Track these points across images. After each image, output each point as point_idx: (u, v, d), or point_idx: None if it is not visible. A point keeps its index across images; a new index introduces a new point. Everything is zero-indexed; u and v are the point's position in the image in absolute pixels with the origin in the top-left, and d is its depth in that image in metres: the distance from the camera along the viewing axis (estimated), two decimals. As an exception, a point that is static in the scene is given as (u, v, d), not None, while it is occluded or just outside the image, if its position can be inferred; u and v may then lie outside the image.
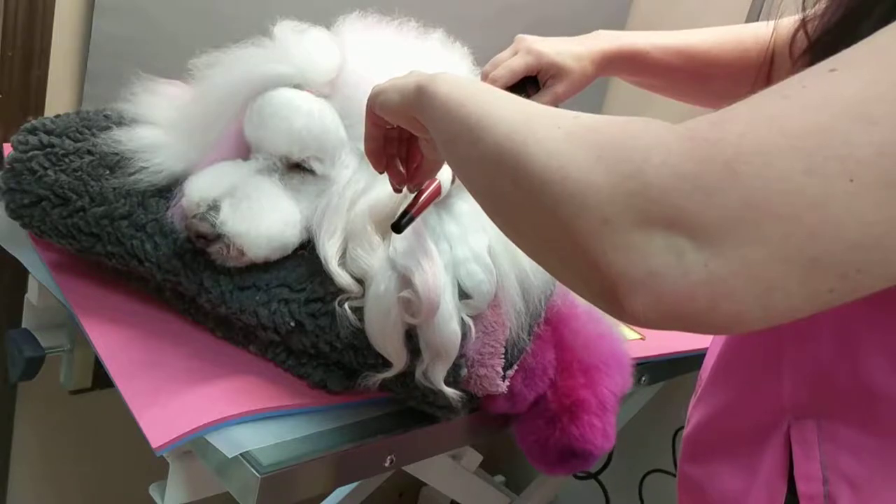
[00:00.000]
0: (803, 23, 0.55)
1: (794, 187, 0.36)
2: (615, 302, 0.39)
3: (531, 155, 0.42)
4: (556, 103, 0.89)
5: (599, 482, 1.60)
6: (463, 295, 0.73)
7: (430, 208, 0.74)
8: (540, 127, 0.44)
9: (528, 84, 0.88)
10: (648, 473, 1.64)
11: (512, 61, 0.86)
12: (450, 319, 0.72)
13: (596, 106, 1.86)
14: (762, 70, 0.76)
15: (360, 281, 0.74)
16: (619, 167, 0.39)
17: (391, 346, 0.71)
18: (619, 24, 1.79)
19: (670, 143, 0.39)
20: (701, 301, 0.37)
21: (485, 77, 0.87)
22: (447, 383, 0.74)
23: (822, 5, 0.54)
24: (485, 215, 0.59)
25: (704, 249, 0.37)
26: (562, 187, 0.40)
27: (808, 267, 0.37)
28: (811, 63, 0.44)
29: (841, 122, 0.37)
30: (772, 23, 0.75)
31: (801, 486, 0.56)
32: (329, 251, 0.74)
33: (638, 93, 1.83)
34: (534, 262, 0.74)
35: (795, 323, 0.40)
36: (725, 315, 0.37)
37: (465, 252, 0.74)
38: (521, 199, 0.43)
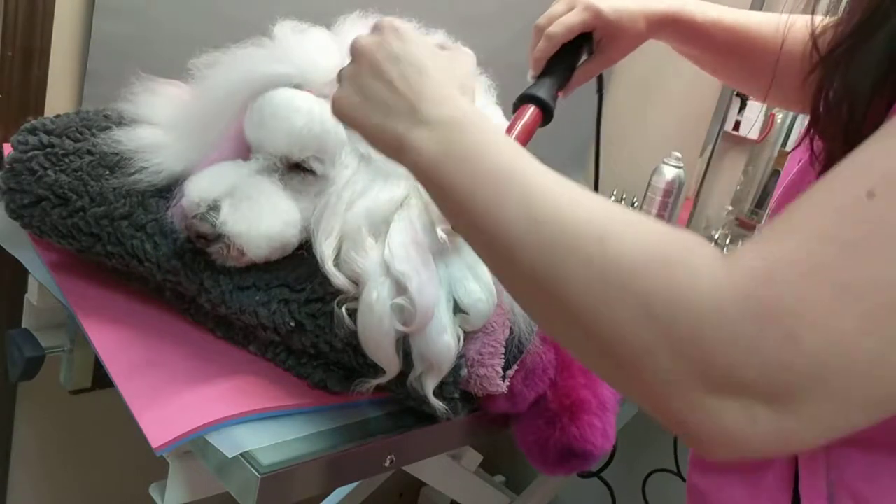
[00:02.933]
0: (813, 40, 0.54)
1: (855, 346, 0.37)
2: (685, 437, 0.41)
3: (573, 302, 0.41)
4: (606, 67, 0.90)
5: (603, 480, 1.60)
6: (460, 311, 0.74)
7: (430, 224, 0.74)
8: (568, 256, 0.41)
9: (584, 43, 0.85)
10: (652, 473, 1.64)
11: (569, 17, 0.83)
12: (443, 331, 0.72)
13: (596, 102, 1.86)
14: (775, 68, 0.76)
15: (356, 282, 0.74)
16: (674, 329, 0.39)
17: (383, 354, 0.72)
18: (620, 23, 1.79)
19: (723, 301, 0.38)
20: (772, 447, 0.39)
21: (539, 32, 0.84)
22: (446, 382, 0.74)
23: (833, 20, 0.53)
24: None
25: (776, 412, 0.38)
26: (619, 349, 0.40)
27: (874, 406, 0.39)
28: (823, 77, 0.45)
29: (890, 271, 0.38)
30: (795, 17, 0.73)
31: (805, 502, 0.55)
32: (326, 251, 0.74)
33: (637, 90, 1.84)
34: None
35: None
36: (794, 450, 0.42)
37: (464, 270, 0.74)
38: (573, 338, 0.43)
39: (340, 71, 0.60)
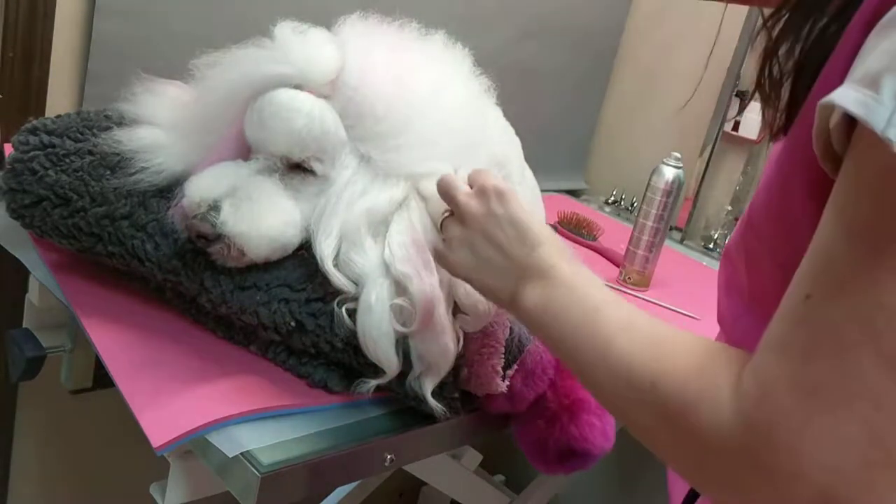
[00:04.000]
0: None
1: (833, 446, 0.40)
2: None
3: (636, 427, 0.50)
4: None
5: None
6: (460, 312, 0.74)
7: (430, 225, 0.75)
8: (630, 400, 0.50)
9: None
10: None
11: None
12: (442, 332, 0.72)
13: (596, 102, 1.86)
14: None
15: (355, 282, 0.74)
16: (706, 464, 0.45)
17: (383, 354, 0.72)
18: (619, 23, 1.79)
19: (728, 441, 0.43)
20: None
21: None
22: (446, 382, 0.74)
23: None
24: None
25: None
26: (671, 460, 0.48)
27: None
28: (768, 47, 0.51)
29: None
30: None
31: None
32: (325, 251, 0.74)
33: (637, 91, 1.84)
34: None
35: None
36: None
37: None
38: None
39: (447, 228, 0.70)
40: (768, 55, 0.54)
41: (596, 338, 0.54)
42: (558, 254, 0.64)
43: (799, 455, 0.40)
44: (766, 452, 0.41)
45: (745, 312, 0.57)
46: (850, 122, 0.41)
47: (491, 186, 0.67)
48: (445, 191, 0.70)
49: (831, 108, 0.41)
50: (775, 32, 0.54)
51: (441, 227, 0.72)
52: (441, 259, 0.71)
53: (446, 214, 0.71)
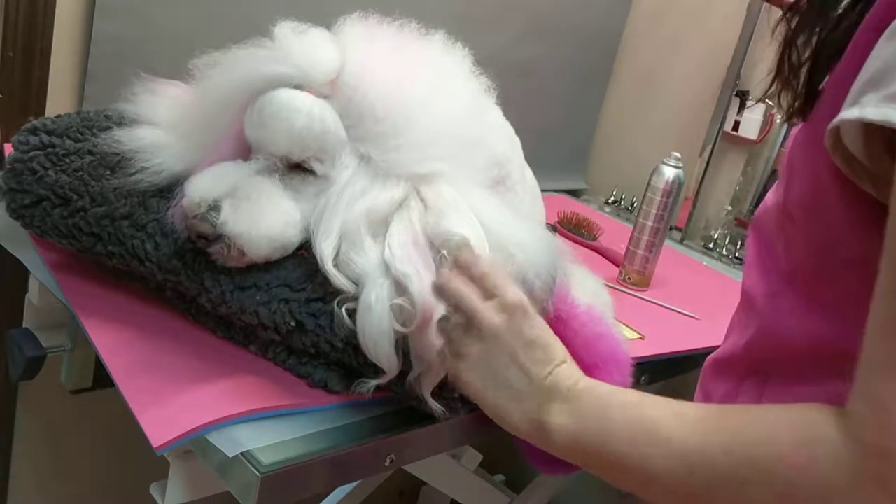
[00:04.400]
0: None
1: None
2: None
3: None
4: None
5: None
6: None
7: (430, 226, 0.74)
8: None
9: None
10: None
11: None
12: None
13: (596, 102, 1.86)
14: None
15: (355, 282, 0.74)
16: None
17: (382, 354, 0.72)
18: (619, 23, 1.79)
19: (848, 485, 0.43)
20: None
21: None
22: (446, 382, 0.74)
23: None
24: (484, 235, 0.70)
25: None
26: None
27: None
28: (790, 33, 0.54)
29: None
30: None
31: None
32: (325, 251, 0.74)
33: (637, 91, 1.84)
34: (533, 263, 0.75)
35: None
36: None
37: None
38: None
39: (460, 341, 0.64)
40: (788, 44, 0.57)
41: (650, 430, 0.53)
42: (576, 368, 0.63)
43: None
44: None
45: (784, 291, 0.58)
46: (868, 131, 0.44)
47: (518, 303, 0.63)
48: (458, 296, 0.65)
49: (857, 123, 0.43)
50: (794, 24, 0.57)
51: (448, 335, 0.66)
52: (452, 372, 0.66)
53: (450, 321, 0.66)
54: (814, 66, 0.54)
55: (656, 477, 0.52)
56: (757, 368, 0.63)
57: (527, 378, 0.62)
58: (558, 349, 0.64)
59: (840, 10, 0.53)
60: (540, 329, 0.64)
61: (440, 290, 0.67)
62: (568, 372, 0.62)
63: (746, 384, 0.64)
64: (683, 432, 0.51)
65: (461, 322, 0.65)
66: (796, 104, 0.56)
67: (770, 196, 0.65)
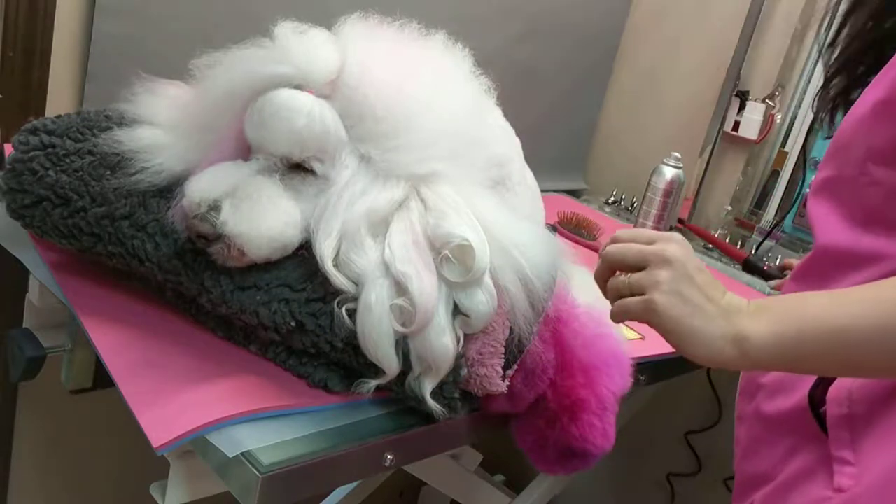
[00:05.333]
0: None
1: None
2: None
3: None
4: None
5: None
6: (460, 313, 0.74)
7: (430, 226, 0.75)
8: None
9: None
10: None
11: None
12: (442, 333, 0.72)
13: (596, 102, 1.86)
14: None
15: (355, 282, 0.74)
16: None
17: (382, 355, 0.72)
18: (619, 23, 1.79)
19: None
20: None
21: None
22: (446, 382, 0.74)
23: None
24: (485, 237, 0.71)
25: None
26: None
27: None
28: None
29: None
30: None
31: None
32: (325, 251, 0.74)
33: (637, 91, 1.84)
34: (533, 264, 0.75)
35: None
36: None
37: None
38: None
39: (643, 277, 0.67)
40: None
41: (862, 299, 0.57)
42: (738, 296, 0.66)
43: None
44: None
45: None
46: None
47: (677, 236, 0.69)
48: (625, 250, 0.69)
49: None
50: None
51: (629, 289, 0.69)
52: (645, 309, 0.67)
53: (625, 277, 0.69)
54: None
55: (877, 334, 0.55)
56: None
57: (709, 299, 0.64)
58: (720, 283, 0.67)
59: None
60: (700, 263, 0.67)
61: (605, 256, 0.71)
62: (737, 297, 0.65)
63: None
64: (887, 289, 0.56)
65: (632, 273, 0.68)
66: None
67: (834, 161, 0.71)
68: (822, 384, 0.68)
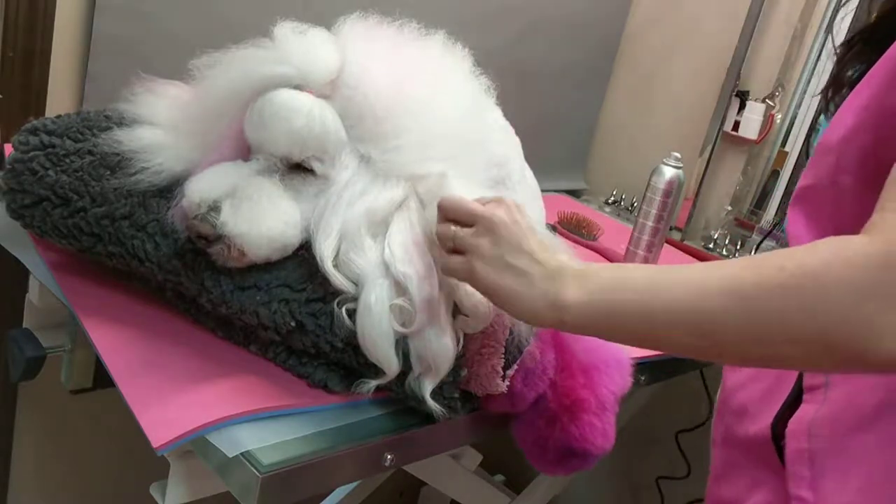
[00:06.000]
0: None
1: None
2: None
3: (785, 330, 0.51)
4: None
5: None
6: (460, 314, 0.74)
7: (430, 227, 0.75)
8: (771, 312, 0.51)
9: None
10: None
11: None
12: (442, 334, 0.72)
13: (596, 102, 1.86)
14: None
15: (355, 282, 0.74)
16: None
17: (382, 355, 0.72)
18: (619, 23, 1.79)
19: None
20: None
21: None
22: (446, 382, 0.74)
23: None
24: None
25: None
26: (825, 338, 0.50)
27: None
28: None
29: None
30: None
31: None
32: (325, 251, 0.74)
33: (637, 91, 1.83)
34: None
35: None
36: None
37: None
38: (785, 355, 0.52)
39: (466, 236, 0.67)
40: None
41: (683, 281, 0.55)
42: (575, 257, 0.65)
43: None
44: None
45: None
46: None
47: (509, 200, 0.68)
48: (458, 204, 0.69)
49: None
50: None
51: (453, 241, 0.69)
52: (464, 270, 0.67)
53: (454, 229, 0.69)
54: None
55: (689, 319, 0.54)
56: None
57: (535, 262, 0.63)
58: (558, 243, 0.66)
59: None
60: (532, 220, 0.67)
61: (440, 203, 0.70)
62: (573, 260, 0.64)
63: None
64: (715, 271, 0.54)
65: (463, 236, 0.68)
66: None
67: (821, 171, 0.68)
68: (784, 415, 0.66)
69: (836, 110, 0.68)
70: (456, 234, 0.68)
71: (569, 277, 0.61)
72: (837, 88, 0.74)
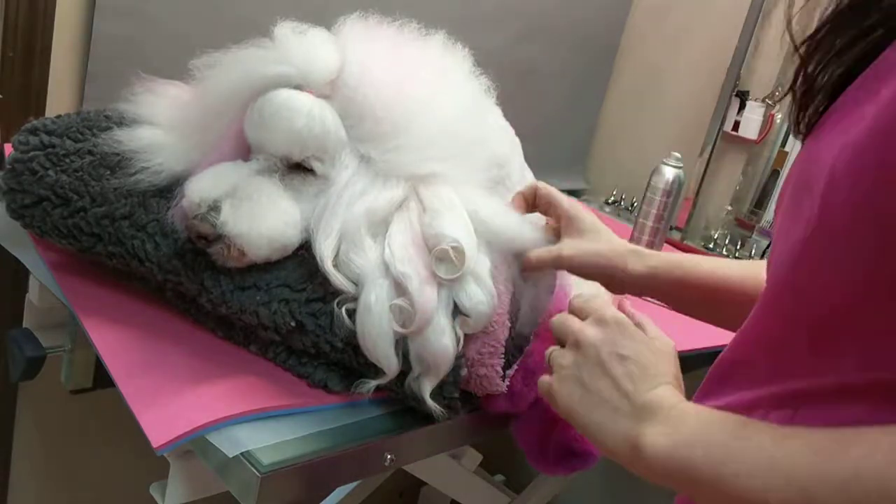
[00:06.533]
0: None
1: None
2: None
3: None
4: None
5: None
6: (460, 314, 0.74)
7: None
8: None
9: None
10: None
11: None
12: (442, 334, 0.72)
13: (596, 102, 1.86)
14: None
15: (355, 282, 0.74)
16: None
17: (382, 355, 0.72)
18: (619, 22, 1.79)
19: None
20: None
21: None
22: (446, 382, 0.74)
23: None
24: (486, 236, 0.70)
25: None
26: None
27: None
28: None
29: None
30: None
31: None
32: (325, 251, 0.74)
33: (637, 91, 1.84)
34: None
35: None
36: None
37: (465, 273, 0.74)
38: None
39: (555, 357, 0.62)
40: (805, 64, 0.57)
41: (759, 452, 0.47)
42: (680, 394, 0.57)
43: None
44: None
45: None
46: None
47: (613, 318, 0.61)
48: (562, 323, 0.64)
49: None
50: (816, 43, 0.56)
51: (549, 360, 0.64)
52: (547, 392, 0.62)
53: (553, 349, 0.64)
54: (841, 82, 0.53)
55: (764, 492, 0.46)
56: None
57: (619, 392, 0.57)
58: (663, 369, 0.58)
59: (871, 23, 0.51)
60: (640, 344, 0.59)
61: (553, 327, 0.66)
62: (670, 392, 0.56)
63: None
64: (801, 460, 0.46)
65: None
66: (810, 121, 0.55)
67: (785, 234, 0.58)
68: None
69: (808, 129, 0.59)
70: (548, 357, 0.64)
71: (659, 417, 0.54)
72: (808, 100, 0.60)
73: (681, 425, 0.53)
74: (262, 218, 0.75)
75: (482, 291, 0.74)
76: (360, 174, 0.77)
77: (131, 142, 0.83)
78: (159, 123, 0.86)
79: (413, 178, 0.77)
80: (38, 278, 0.90)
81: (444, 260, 0.73)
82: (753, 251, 1.57)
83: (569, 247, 0.81)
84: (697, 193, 1.67)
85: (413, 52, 0.82)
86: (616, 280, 0.80)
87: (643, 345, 0.60)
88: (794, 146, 1.58)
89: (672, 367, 0.60)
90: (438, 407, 0.74)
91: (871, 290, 0.47)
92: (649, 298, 0.85)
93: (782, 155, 1.60)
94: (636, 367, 0.58)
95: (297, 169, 0.78)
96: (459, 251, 0.72)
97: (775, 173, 1.61)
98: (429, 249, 0.74)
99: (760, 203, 1.64)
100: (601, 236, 0.83)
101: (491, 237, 0.77)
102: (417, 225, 0.75)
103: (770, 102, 1.58)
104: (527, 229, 0.80)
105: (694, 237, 1.70)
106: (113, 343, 0.79)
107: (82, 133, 0.86)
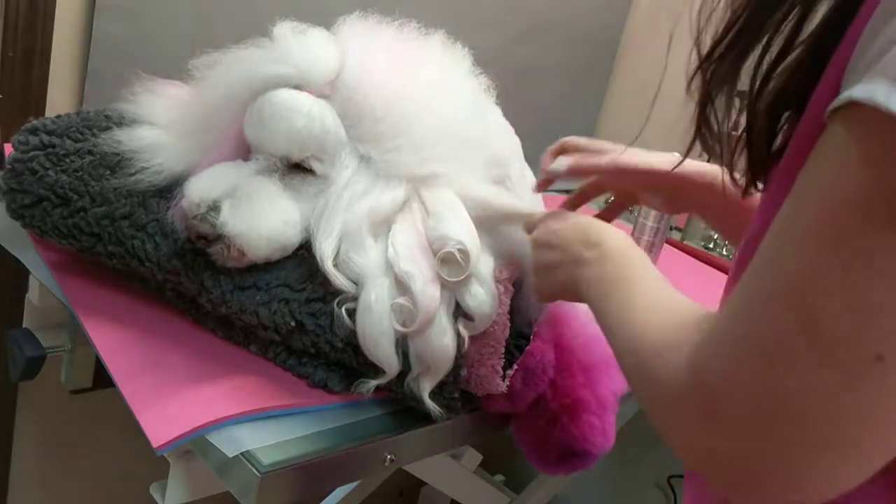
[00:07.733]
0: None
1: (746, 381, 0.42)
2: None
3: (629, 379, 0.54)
4: None
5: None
6: (463, 314, 0.74)
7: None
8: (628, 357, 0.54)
9: None
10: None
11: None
12: (443, 333, 0.72)
13: (596, 102, 1.86)
14: None
15: (355, 282, 0.74)
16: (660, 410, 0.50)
17: (382, 354, 0.72)
18: (619, 22, 1.79)
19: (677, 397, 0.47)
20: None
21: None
22: (446, 382, 0.74)
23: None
24: (478, 238, 0.72)
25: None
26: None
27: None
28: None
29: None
30: None
31: None
32: (325, 251, 0.74)
33: (637, 91, 1.83)
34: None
35: None
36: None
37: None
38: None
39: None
40: (704, 111, 0.62)
41: (622, 307, 0.58)
42: (612, 234, 0.66)
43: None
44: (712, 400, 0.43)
45: None
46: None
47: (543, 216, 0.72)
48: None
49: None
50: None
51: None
52: (536, 291, 0.73)
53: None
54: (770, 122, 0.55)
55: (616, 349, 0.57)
56: None
57: (564, 252, 0.67)
58: (599, 227, 0.67)
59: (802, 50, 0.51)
60: (577, 218, 0.70)
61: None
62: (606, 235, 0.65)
63: None
64: (641, 317, 0.55)
65: None
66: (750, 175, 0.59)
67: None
68: None
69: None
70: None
71: (589, 264, 0.64)
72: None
73: (600, 265, 0.63)
74: (261, 218, 0.75)
75: (485, 292, 0.74)
76: (360, 174, 0.77)
77: (131, 142, 0.83)
78: (159, 123, 0.86)
79: (413, 178, 0.77)
80: (38, 278, 0.90)
81: (448, 262, 0.73)
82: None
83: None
84: (697, 193, 1.67)
85: (413, 52, 0.82)
86: (713, 192, 0.84)
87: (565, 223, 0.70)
88: (794, 146, 1.58)
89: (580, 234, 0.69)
90: (437, 407, 0.74)
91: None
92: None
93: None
94: (580, 230, 0.67)
95: (296, 169, 0.78)
96: (465, 253, 0.72)
97: (775, 173, 1.61)
98: (433, 252, 0.74)
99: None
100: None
101: (493, 234, 0.77)
102: (421, 227, 0.75)
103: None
104: (519, 203, 0.81)
105: (694, 237, 1.70)
106: (113, 343, 0.79)
107: (82, 133, 0.86)
